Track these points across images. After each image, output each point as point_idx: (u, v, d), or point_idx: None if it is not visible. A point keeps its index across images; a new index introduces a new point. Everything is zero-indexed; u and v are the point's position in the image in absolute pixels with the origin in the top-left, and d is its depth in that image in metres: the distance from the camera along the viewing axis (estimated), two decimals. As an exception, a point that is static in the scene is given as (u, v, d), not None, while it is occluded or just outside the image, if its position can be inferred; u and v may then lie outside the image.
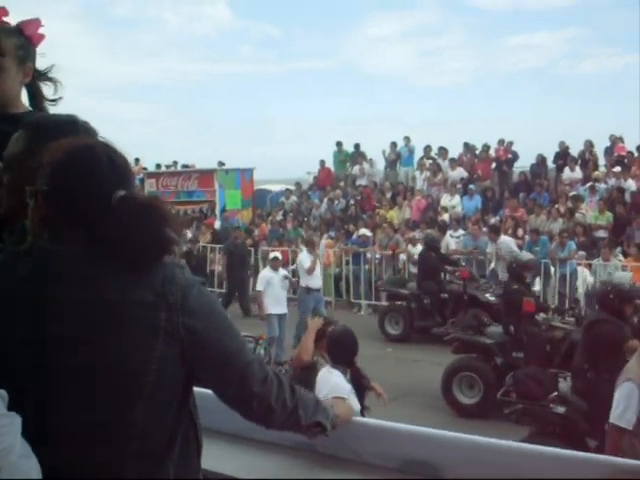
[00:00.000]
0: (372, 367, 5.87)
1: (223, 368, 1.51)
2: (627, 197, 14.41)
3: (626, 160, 15.99)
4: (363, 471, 1.92)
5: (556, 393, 5.78)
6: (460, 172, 17.50)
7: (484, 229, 13.91)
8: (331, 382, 4.17)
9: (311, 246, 11.92)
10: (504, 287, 9.24)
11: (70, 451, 1.36)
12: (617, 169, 15.43)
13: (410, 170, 18.84)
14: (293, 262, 13.86)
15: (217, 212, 18.89)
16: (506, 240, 12.95)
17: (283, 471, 1.96)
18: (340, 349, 4.56)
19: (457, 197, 16.54)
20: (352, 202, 18.10)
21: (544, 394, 5.83)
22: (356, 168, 19.51)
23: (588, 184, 15.35)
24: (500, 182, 17.44)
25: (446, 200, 16.58)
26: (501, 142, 17.87)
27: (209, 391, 1.56)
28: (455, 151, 18.53)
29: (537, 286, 11.84)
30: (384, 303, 14.15)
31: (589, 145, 16.97)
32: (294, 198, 19.78)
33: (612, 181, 15.29)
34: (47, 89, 2.30)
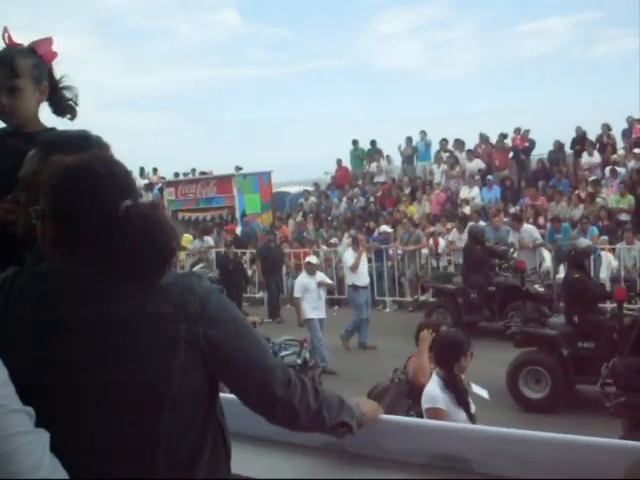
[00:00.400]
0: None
1: (246, 374, 1.51)
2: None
3: (645, 141, 15.76)
4: (392, 469, 1.91)
5: None
6: (477, 163, 17.41)
7: (505, 219, 13.82)
8: (427, 393, 4.10)
9: (356, 244, 11.69)
10: (564, 276, 8.99)
11: (98, 466, 1.37)
12: (637, 150, 15.22)
13: (427, 164, 18.73)
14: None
15: (237, 217, 18.90)
16: (529, 228, 12.88)
17: (311, 472, 1.95)
18: (442, 354, 4.30)
19: (476, 189, 16.47)
20: (371, 199, 18.06)
21: None
22: (373, 165, 19.45)
23: (608, 167, 15.17)
24: (518, 171, 17.32)
25: (465, 192, 16.51)
26: (517, 131, 17.76)
27: (233, 396, 1.56)
28: (471, 143, 18.41)
29: (560, 273, 11.70)
30: (408, 299, 14.06)
31: (606, 128, 16.76)
32: (313, 199, 19.74)
33: (632, 163, 15.11)
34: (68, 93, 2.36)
